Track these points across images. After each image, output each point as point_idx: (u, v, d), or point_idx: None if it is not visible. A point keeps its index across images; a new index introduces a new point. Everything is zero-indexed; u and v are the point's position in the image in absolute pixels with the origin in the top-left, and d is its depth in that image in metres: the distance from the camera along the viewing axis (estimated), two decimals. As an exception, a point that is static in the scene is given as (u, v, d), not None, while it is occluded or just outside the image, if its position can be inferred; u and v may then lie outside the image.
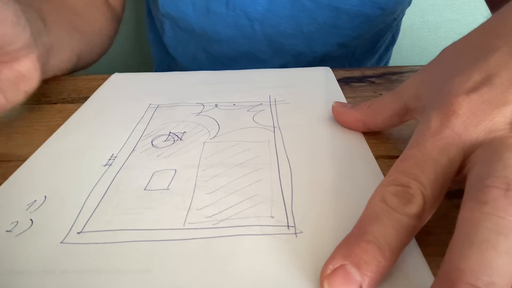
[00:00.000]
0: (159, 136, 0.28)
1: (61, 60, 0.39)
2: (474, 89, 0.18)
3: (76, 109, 0.33)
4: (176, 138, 0.28)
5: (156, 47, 0.61)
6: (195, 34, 0.51)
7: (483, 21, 0.22)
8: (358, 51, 0.53)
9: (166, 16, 0.52)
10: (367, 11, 0.46)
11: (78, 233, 0.20)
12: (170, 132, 0.29)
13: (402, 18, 0.56)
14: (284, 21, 0.47)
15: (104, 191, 0.23)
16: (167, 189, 0.23)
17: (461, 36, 0.23)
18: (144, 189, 0.23)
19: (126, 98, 0.35)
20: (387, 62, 0.62)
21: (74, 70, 0.44)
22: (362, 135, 0.27)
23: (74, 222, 0.20)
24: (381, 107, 0.26)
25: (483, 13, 0.43)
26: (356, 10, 0.46)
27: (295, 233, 0.19)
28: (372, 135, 0.27)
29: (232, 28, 0.49)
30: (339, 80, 0.37)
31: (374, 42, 0.54)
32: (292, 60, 0.51)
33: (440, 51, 0.24)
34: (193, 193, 0.22)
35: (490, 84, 0.18)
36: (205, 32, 0.50)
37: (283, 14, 0.47)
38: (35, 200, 0.22)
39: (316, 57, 0.50)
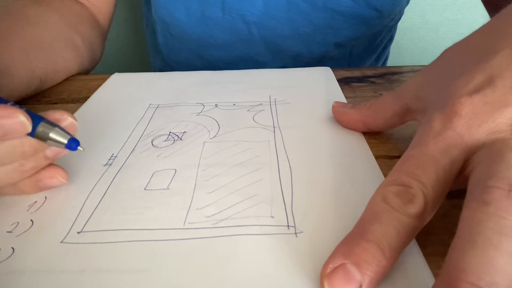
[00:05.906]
0: (159, 136, 0.28)
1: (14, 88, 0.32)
2: (476, 90, 0.18)
3: (76, 109, 0.33)
4: (176, 138, 0.28)
5: (152, 52, 0.60)
6: (189, 40, 0.51)
7: (485, 22, 0.22)
8: (356, 51, 0.53)
9: (159, 22, 0.51)
10: (363, 13, 0.46)
11: (78, 233, 0.20)
12: (170, 132, 0.29)
13: (400, 18, 0.56)
14: (281, 24, 0.47)
15: (104, 191, 0.22)
16: (167, 188, 0.23)
17: (461, 36, 0.23)
18: (144, 189, 0.23)
19: (126, 98, 0.35)
20: (385, 60, 0.62)
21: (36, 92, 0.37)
22: (362, 135, 0.27)
23: (74, 222, 0.20)
24: (381, 108, 0.26)
25: (483, 13, 0.43)
26: (351, 12, 0.46)
27: (295, 233, 0.19)
28: (372, 135, 0.27)
29: (228, 32, 0.48)
30: (339, 80, 0.37)
31: (372, 41, 0.54)
32: (290, 61, 0.51)
33: (440, 51, 0.23)
34: (193, 192, 0.22)
35: (492, 86, 0.18)
36: (199, 38, 0.50)
37: (279, 16, 0.47)
38: (36, 201, 0.22)
39: (314, 58, 0.50)
